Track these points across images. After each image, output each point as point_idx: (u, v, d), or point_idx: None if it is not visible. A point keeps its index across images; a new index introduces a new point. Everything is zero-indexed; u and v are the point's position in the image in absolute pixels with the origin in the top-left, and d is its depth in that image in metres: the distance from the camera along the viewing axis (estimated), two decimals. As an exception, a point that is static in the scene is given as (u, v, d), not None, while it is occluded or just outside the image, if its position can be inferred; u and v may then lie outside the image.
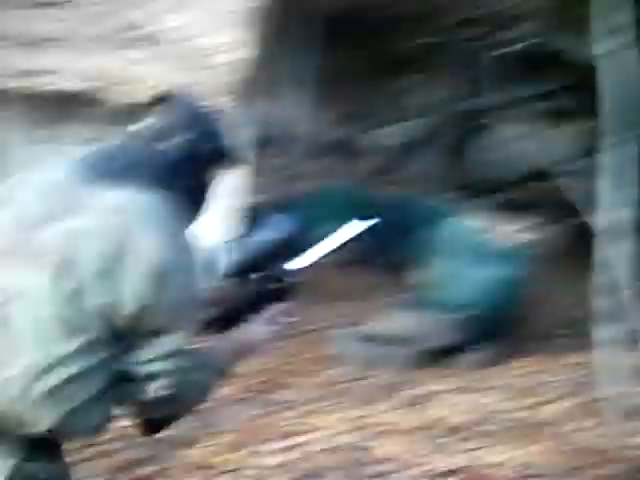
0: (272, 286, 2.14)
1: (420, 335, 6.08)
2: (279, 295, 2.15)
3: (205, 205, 2.07)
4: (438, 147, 8.59)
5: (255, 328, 2.12)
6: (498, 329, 6.14)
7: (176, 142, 1.99)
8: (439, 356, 5.96)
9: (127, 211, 1.84)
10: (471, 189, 7.80)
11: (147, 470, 4.07)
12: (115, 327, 1.80)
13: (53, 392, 1.78)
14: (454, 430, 4.79)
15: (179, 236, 1.88)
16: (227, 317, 2.11)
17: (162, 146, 1.98)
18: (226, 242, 2.16)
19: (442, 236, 6.86)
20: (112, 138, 2.06)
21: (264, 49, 6.76)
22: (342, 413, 5.00)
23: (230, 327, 2.10)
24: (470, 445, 4.59)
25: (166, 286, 1.81)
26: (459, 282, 6.40)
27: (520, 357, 6.09)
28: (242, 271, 2.10)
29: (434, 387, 5.49)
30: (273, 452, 4.43)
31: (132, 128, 2.04)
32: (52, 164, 2.00)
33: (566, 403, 5.26)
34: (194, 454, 4.32)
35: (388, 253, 7.64)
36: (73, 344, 1.78)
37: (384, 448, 4.54)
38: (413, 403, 5.23)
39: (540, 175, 7.35)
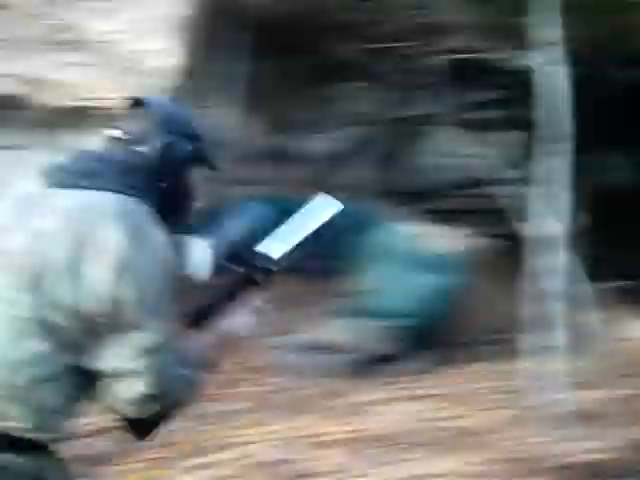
0: (252, 275, 2.12)
1: (355, 344, 6.08)
2: (258, 283, 2.12)
3: (189, 205, 2.09)
4: (371, 155, 8.60)
5: (236, 319, 2.10)
6: (433, 337, 6.18)
7: (156, 145, 1.99)
8: (374, 365, 5.96)
9: (94, 211, 1.85)
10: (405, 197, 7.83)
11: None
12: (87, 325, 1.80)
13: (24, 389, 1.79)
14: (390, 440, 4.77)
15: (149, 234, 1.87)
16: (208, 310, 2.08)
17: (142, 149, 1.98)
18: (204, 235, 2.10)
19: (377, 243, 6.87)
20: (91, 143, 2.06)
21: (195, 56, 6.69)
22: (277, 425, 4.94)
23: (211, 320, 2.07)
24: (407, 456, 4.58)
25: (133, 281, 1.81)
26: (393, 290, 6.41)
27: (455, 365, 6.12)
28: (223, 262, 2.08)
29: (370, 397, 5.47)
30: (204, 466, 4.36)
31: (111, 132, 2.03)
32: (27, 171, 2.00)
33: (500, 411, 5.28)
34: (118, 471, 4.24)
35: (322, 260, 7.62)
36: (46, 344, 1.80)
37: (320, 460, 4.50)
38: (349, 413, 5.20)
39: (473, 184, 7.43)
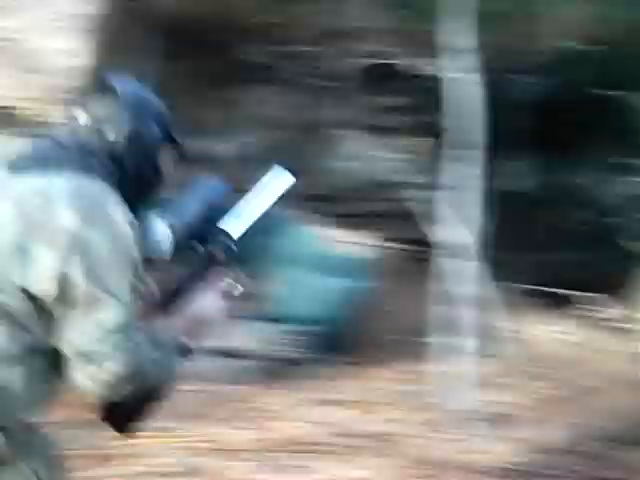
0: (215, 252, 2.10)
1: (262, 349, 6.01)
2: (223, 260, 2.10)
3: (160, 188, 2.07)
4: (280, 158, 8.55)
5: (204, 301, 2.07)
6: (340, 341, 6.15)
7: (124, 130, 1.97)
8: (282, 370, 5.89)
9: (46, 193, 1.83)
10: (313, 200, 7.81)
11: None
12: (41, 307, 1.80)
13: None
14: (299, 447, 4.70)
15: (105, 212, 1.84)
16: (175, 293, 2.05)
17: (109, 135, 1.96)
18: (163, 213, 2.06)
19: (284, 247, 6.81)
20: (58, 128, 2.03)
21: (102, 56, 6.54)
22: (183, 433, 4.78)
23: (179, 303, 2.04)
24: (315, 463, 4.52)
25: (85, 259, 1.78)
26: (300, 294, 6.36)
27: (363, 369, 6.07)
28: (185, 240, 2.05)
29: (277, 402, 5.39)
30: (107, 477, 4.19)
31: (76, 116, 2.01)
32: None
33: (409, 415, 5.28)
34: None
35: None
36: (1, 327, 1.79)
37: (227, 469, 4.40)
38: (256, 420, 5.11)
39: (382, 188, 7.44)
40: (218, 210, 2.11)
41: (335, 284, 6.31)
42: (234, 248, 2.11)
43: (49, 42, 6.14)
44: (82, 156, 1.90)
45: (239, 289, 2.13)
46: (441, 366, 5.10)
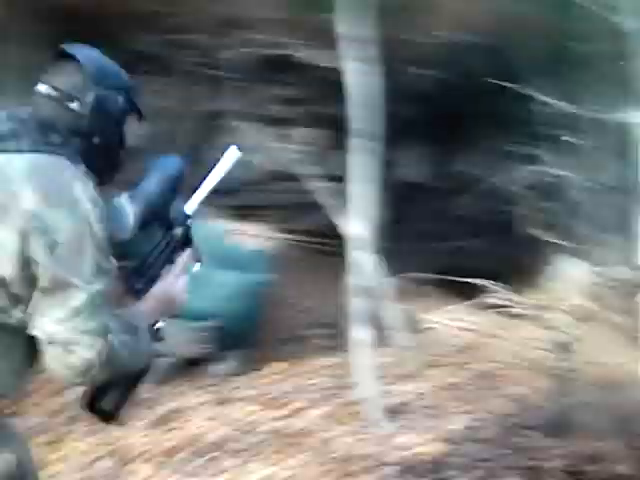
0: (180, 234, 2.13)
1: (165, 347, 5.85)
2: (184, 240, 2.15)
3: (123, 157, 2.07)
4: (175, 150, 8.41)
5: (171, 279, 2.09)
6: (244, 337, 6.04)
7: (88, 100, 1.93)
8: (185, 369, 5.75)
9: (7, 172, 1.79)
10: (212, 193, 7.70)
11: None
12: (7, 290, 1.76)
13: None
14: (209, 448, 4.60)
15: (68, 190, 1.80)
16: (144, 274, 2.06)
17: (73, 106, 1.93)
18: (129, 193, 2.07)
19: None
20: (23, 100, 2.00)
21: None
22: (80, 440, 4.62)
23: (148, 284, 2.05)
24: (227, 463, 4.43)
25: (47, 239, 1.75)
26: (201, 290, 6.22)
27: (273, 364, 5.99)
28: (148, 219, 2.06)
29: (181, 403, 5.25)
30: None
31: (40, 88, 1.96)
32: None
33: (326, 408, 5.23)
34: None
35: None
36: None
37: (129, 475, 4.27)
38: (163, 421, 4.97)
39: (282, 180, 7.39)
40: (178, 187, 2.14)
41: (239, 279, 6.19)
42: (189, 225, 2.15)
43: None
44: (42, 131, 1.86)
45: (196, 266, 2.19)
46: (350, 359, 5.07)
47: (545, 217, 6.84)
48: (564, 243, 6.33)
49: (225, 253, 6.49)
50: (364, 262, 5.05)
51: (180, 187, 2.15)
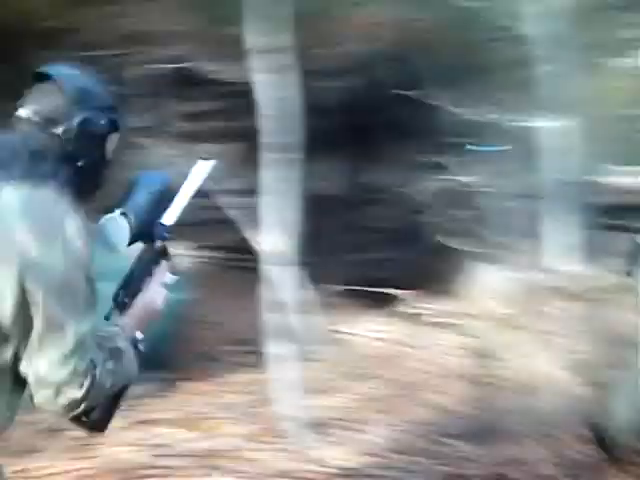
0: (161, 247, 2.15)
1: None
2: (164, 253, 2.17)
3: (107, 175, 2.05)
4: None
5: (153, 292, 2.11)
6: (165, 356, 5.89)
7: (72, 124, 1.90)
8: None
9: (4, 206, 1.76)
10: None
11: None
12: (2, 331, 1.75)
13: None
14: (125, 474, 4.42)
15: (59, 226, 1.79)
16: (129, 289, 2.10)
17: (57, 131, 1.89)
18: (121, 210, 2.08)
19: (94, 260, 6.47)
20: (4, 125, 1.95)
21: None
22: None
23: (132, 297, 2.09)
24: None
25: (42, 282, 1.74)
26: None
27: (192, 384, 5.85)
28: (140, 234, 2.09)
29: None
30: None
31: (21, 113, 1.92)
32: None
33: (246, 426, 5.13)
34: None
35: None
36: None
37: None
38: (80, 446, 4.76)
39: (197, 195, 7.26)
40: (165, 201, 2.17)
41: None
42: (168, 238, 2.17)
43: None
44: (32, 161, 1.83)
45: (174, 277, 2.21)
46: (268, 374, 5.00)
47: (456, 224, 6.92)
48: (476, 250, 6.41)
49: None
50: (279, 276, 5.00)
51: (165, 202, 2.17)
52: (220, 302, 6.93)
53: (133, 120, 8.07)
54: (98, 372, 1.82)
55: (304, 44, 5.68)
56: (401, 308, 6.52)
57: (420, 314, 6.21)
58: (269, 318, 4.90)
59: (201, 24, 6.17)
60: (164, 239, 2.16)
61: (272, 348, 4.91)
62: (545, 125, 6.58)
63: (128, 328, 2.03)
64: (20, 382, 1.83)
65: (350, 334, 6.74)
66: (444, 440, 4.87)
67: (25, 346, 1.78)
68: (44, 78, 1.95)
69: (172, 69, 6.12)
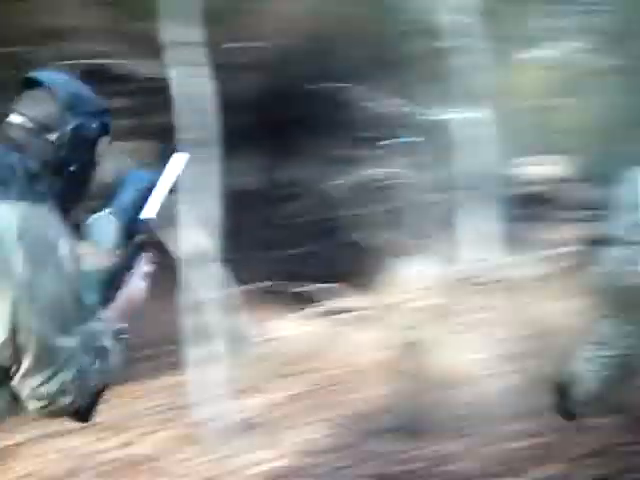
0: (142, 242, 2.18)
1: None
2: (145, 247, 2.20)
3: (93, 178, 2.06)
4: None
5: (134, 285, 2.13)
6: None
7: (65, 130, 1.92)
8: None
9: (1, 227, 1.76)
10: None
11: None
12: None
13: None
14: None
15: (52, 247, 1.80)
16: (113, 284, 2.14)
17: (51, 137, 1.91)
18: (110, 210, 2.11)
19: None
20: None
21: None
22: None
23: (115, 292, 2.13)
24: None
25: (39, 304, 1.77)
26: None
27: (110, 389, 5.63)
28: (128, 232, 2.13)
29: (20, 437, 4.80)
30: None
31: (14, 119, 1.92)
32: None
33: (167, 431, 5.01)
34: None
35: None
36: None
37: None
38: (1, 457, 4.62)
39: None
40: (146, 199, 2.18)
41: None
42: (149, 231, 2.20)
43: None
44: (28, 177, 1.84)
45: (153, 269, 2.24)
46: (194, 376, 4.88)
47: (374, 218, 6.92)
48: (395, 243, 6.41)
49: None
50: (197, 276, 4.89)
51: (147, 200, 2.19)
52: (147, 304, 6.74)
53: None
54: (86, 377, 1.90)
55: (219, 39, 5.59)
56: (323, 304, 6.47)
57: (342, 309, 6.16)
58: (186, 318, 4.80)
59: (116, 19, 6.01)
60: (143, 232, 2.19)
61: (190, 349, 4.80)
62: (459, 117, 6.61)
63: (112, 321, 2.08)
64: (12, 395, 1.90)
65: (275, 332, 6.66)
66: (375, 437, 4.83)
67: (17, 367, 1.83)
68: (35, 84, 1.95)
69: (85, 65, 5.93)
